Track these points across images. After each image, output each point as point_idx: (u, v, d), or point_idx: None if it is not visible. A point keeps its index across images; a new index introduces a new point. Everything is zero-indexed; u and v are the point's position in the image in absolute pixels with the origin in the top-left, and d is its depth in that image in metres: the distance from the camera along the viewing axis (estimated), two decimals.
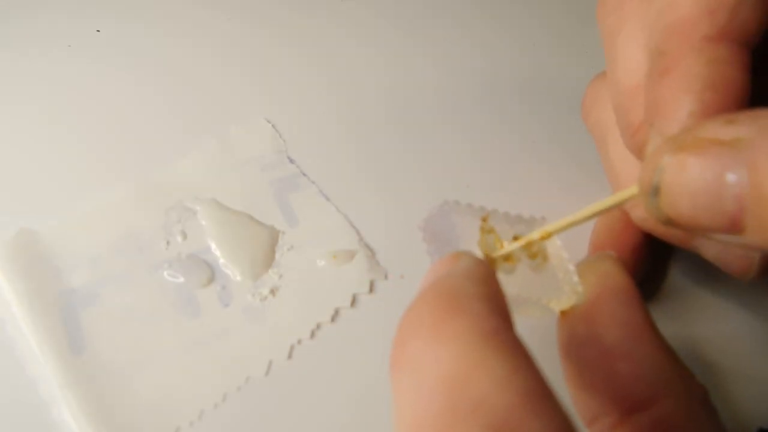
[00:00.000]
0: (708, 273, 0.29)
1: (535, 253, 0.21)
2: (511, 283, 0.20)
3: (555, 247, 0.21)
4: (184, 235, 0.28)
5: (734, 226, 0.15)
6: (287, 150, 0.31)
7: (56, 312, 0.26)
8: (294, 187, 0.30)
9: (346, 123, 0.33)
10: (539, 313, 0.21)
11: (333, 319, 0.27)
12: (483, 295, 0.15)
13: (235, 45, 0.35)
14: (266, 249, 0.28)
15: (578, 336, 0.19)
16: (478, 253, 0.20)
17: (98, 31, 0.35)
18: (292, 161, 0.31)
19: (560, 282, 0.20)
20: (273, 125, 0.32)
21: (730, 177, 0.14)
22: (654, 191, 0.16)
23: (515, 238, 0.21)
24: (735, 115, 0.15)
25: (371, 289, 0.28)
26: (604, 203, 0.19)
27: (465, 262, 0.16)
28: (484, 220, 0.21)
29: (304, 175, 0.31)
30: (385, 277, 0.28)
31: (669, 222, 0.16)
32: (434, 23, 0.37)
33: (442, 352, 0.14)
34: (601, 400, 0.18)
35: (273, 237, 0.29)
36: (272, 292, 0.27)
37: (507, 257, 0.20)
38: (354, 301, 0.27)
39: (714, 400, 0.25)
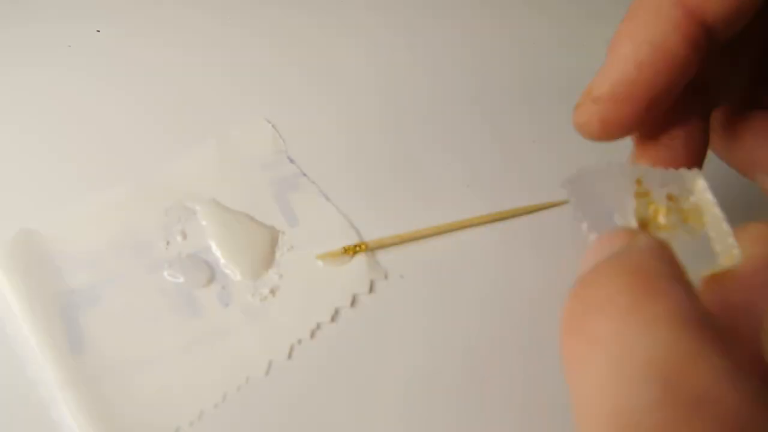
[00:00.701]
0: None
1: (687, 214, 0.19)
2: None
3: (708, 203, 0.19)
4: (184, 235, 0.28)
5: None
6: (287, 150, 0.31)
7: (56, 312, 0.26)
8: (294, 187, 0.30)
9: (346, 123, 0.33)
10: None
11: (333, 318, 0.27)
12: (679, 278, 0.14)
13: (235, 46, 0.35)
14: (266, 249, 0.28)
15: (731, 305, 0.17)
16: (634, 223, 0.18)
17: (98, 31, 0.35)
18: (292, 161, 0.31)
19: (714, 244, 0.19)
20: (273, 125, 0.32)
21: None
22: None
23: (670, 199, 0.19)
24: None
25: (371, 289, 0.28)
26: None
27: (645, 240, 0.15)
28: (638, 182, 0.19)
29: (304, 175, 0.31)
30: (385, 276, 0.28)
31: None
32: (434, 23, 0.37)
33: (649, 337, 0.13)
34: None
35: (273, 237, 0.29)
36: (272, 292, 0.27)
37: (665, 225, 0.19)
38: (354, 301, 0.27)
39: None
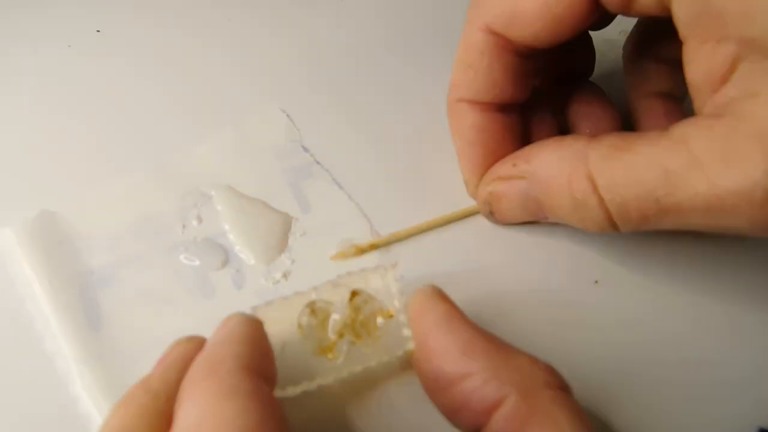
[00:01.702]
0: (708, 268, 0.29)
1: (358, 331, 0.23)
2: (351, 362, 0.23)
3: (379, 307, 0.23)
4: (200, 219, 0.29)
5: (542, 217, 0.27)
6: (302, 139, 0.32)
7: (75, 291, 0.27)
8: (308, 175, 0.31)
9: (360, 113, 0.33)
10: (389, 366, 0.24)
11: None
12: (236, 355, 0.19)
13: (251, 37, 0.36)
14: (279, 234, 0.29)
15: (428, 376, 0.21)
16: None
17: (98, 30, 0.35)
18: (306, 150, 0.32)
19: (396, 338, 0.23)
20: (288, 115, 0.33)
21: (529, 194, 0.26)
22: (490, 215, 0.29)
23: (353, 295, 0.23)
24: (514, 157, 0.27)
25: None
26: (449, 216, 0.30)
27: (230, 325, 0.21)
28: (306, 317, 0.23)
29: (318, 163, 0.31)
30: (395, 266, 0.29)
31: (502, 224, 0.29)
32: (451, 13, 0.37)
33: (193, 408, 0.18)
34: (468, 421, 0.20)
35: (286, 223, 0.29)
36: (284, 276, 0.28)
37: (328, 349, 0.23)
38: None
39: (714, 400, 0.26)
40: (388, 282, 0.24)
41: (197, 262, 0.28)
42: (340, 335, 0.23)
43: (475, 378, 0.20)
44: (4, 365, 0.25)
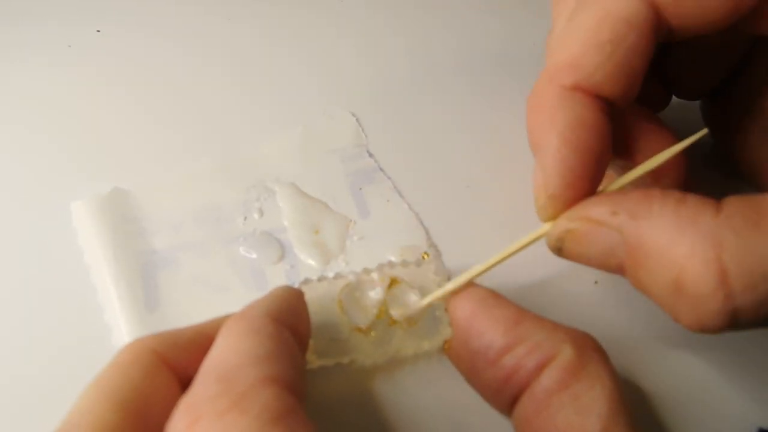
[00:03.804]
0: None
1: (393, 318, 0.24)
2: (387, 343, 0.24)
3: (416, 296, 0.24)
4: (261, 213, 0.30)
5: (618, 271, 0.22)
6: (368, 144, 0.32)
7: (137, 268, 0.28)
8: (370, 180, 0.31)
9: (425, 125, 0.33)
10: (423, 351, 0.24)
11: None
12: (266, 306, 0.20)
13: (328, 43, 0.36)
14: (337, 236, 0.29)
15: (473, 355, 0.22)
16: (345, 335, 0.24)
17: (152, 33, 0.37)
18: (371, 155, 0.32)
19: (431, 325, 0.23)
20: (357, 119, 0.33)
21: (614, 252, 0.21)
22: (558, 251, 0.23)
23: (393, 283, 0.24)
24: (617, 202, 0.21)
25: None
26: (516, 245, 0.24)
27: (272, 290, 0.22)
28: (340, 302, 0.24)
29: (381, 170, 0.32)
30: (448, 279, 0.28)
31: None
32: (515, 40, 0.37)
33: (220, 342, 0.19)
34: (511, 392, 0.21)
35: (344, 226, 0.30)
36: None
37: (366, 328, 0.24)
38: None
39: (714, 400, 0.26)
40: (427, 273, 0.25)
41: (254, 255, 0.29)
42: (378, 316, 0.24)
43: (527, 343, 0.21)
44: (66, 331, 0.26)
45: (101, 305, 0.27)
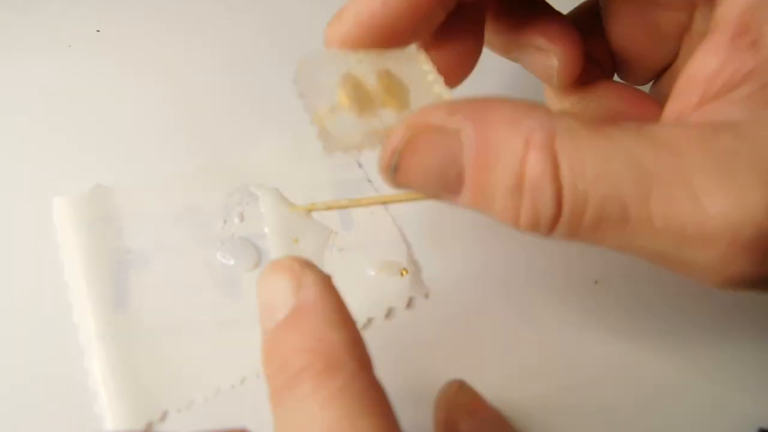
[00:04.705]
0: None
1: (393, 90, 0.21)
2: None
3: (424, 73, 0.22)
4: (242, 218, 0.29)
5: (454, 193, 0.19)
6: (358, 155, 0.32)
7: (110, 266, 0.27)
8: (358, 192, 0.31)
9: None
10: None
11: (365, 326, 0.27)
12: (347, 343, 0.17)
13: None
14: (316, 246, 0.29)
15: None
16: (336, 102, 0.21)
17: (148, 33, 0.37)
18: (360, 166, 0.31)
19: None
20: None
21: (455, 159, 0.19)
22: (393, 171, 0.20)
23: (382, 76, 0.21)
24: (455, 106, 0.19)
25: (409, 305, 0.27)
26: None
27: (311, 277, 0.19)
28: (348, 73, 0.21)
29: (370, 181, 0.31)
30: (426, 296, 0.28)
31: (400, 187, 0.20)
32: None
33: (321, 419, 0.16)
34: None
35: (325, 236, 0.29)
36: None
37: (364, 104, 0.21)
38: (389, 314, 0.27)
39: (714, 400, 0.26)
40: (420, 66, 0.22)
41: (230, 260, 0.28)
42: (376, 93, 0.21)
43: None
44: (32, 330, 0.26)
45: (71, 304, 0.26)
